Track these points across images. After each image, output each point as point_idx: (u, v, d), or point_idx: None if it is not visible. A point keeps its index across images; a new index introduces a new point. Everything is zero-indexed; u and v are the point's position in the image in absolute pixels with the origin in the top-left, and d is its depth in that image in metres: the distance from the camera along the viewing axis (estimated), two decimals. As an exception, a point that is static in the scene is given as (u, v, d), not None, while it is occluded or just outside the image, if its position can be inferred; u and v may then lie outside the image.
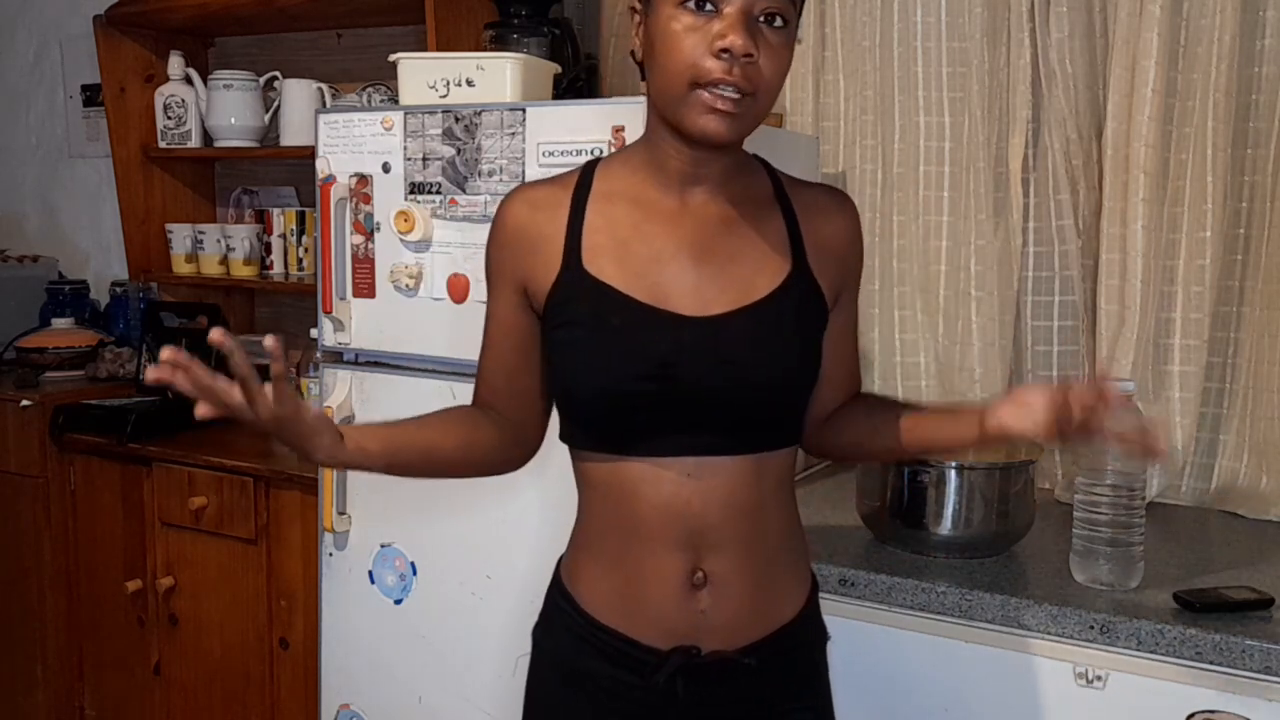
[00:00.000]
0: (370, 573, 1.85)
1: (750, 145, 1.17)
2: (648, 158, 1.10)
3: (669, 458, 1.05)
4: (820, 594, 1.44)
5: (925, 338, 2.00)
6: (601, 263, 1.07)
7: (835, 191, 1.19)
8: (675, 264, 1.07)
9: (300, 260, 2.69)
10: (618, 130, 1.54)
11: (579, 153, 1.58)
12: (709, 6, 0.99)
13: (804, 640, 1.16)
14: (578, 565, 1.15)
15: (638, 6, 1.06)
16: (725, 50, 0.97)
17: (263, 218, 2.76)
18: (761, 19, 1.00)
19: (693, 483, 1.05)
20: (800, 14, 1.05)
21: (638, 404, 1.04)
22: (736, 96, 0.99)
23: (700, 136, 1.02)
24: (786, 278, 1.08)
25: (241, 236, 2.70)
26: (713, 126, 1.00)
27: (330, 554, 1.89)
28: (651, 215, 1.09)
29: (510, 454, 1.19)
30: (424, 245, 1.74)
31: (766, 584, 1.11)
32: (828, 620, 1.21)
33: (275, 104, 2.64)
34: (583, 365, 1.07)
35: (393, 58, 1.84)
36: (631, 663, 1.09)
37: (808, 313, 1.10)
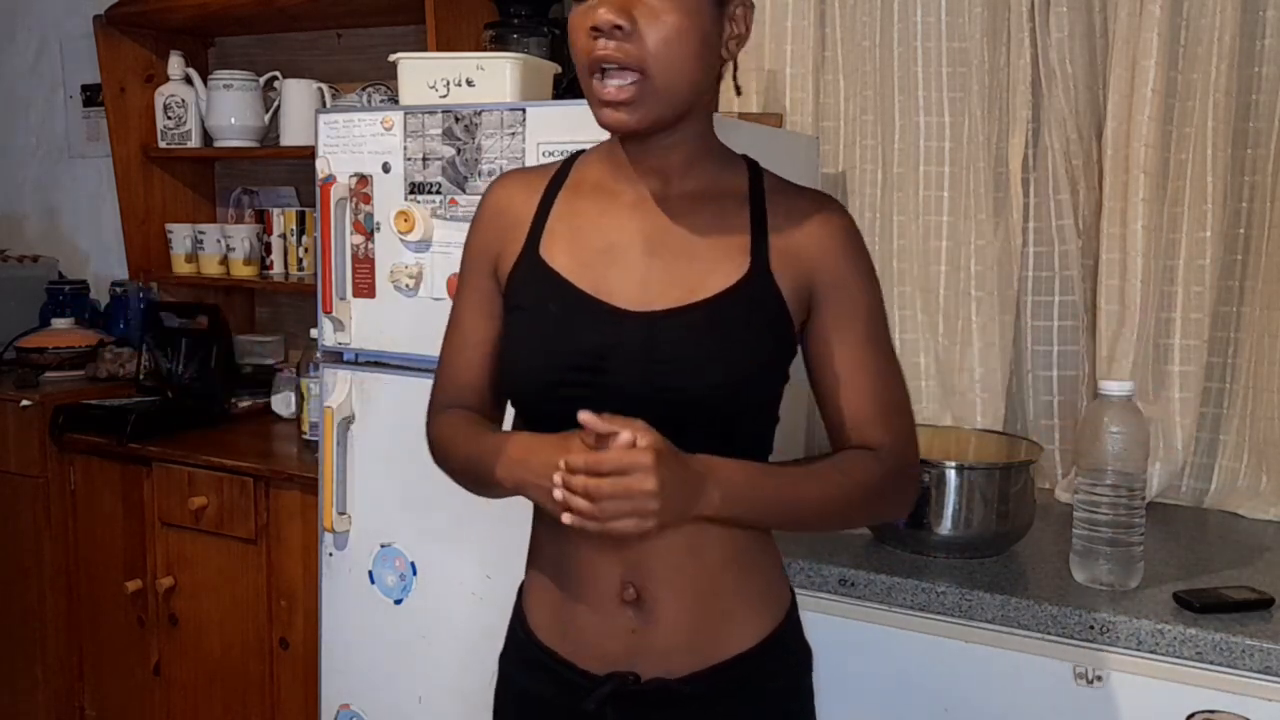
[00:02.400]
0: (370, 573, 1.85)
1: (748, 145, 1.17)
2: (611, 150, 1.09)
3: None
4: (820, 594, 1.45)
5: (925, 338, 2.00)
6: (555, 250, 1.06)
7: (822, 197, 1.11)
8: (625, 256, 1.04)
9: (300, 260, 2.69)
10: (618, 130, 1.54)
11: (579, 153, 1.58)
12: None
13: (767, 672, 1.08)
14: (527, 583, 1.13)
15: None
16: (595, 28, 0.95)
17: (263, 218, 2.76)
18: None
19: None
20: None
21: (564, 395, 1.00)
22: (623, 80, 0.96)
23: (607, 129, 1.01)
24: (741, 279, 1.03)
25: (241, 236, 2.71)
26: (611, 118, 0.98)
27: (330, 554, 1.89)
28: (612, 207, 1.07)
29: None
30: (424, 245, 1.74)
31: (710, 608, 1.04)
32: (831, 621, 1.20)
33: (275, 104, 2.64)
34: (518, 350, 1.06)
35: (393, 58, 1.84)
36: (571, 688, 1.05)
37: (760, 319, 1.03)
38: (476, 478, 1.09)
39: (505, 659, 1.17)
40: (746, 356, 1.02)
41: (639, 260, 1.04)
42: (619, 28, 0.94)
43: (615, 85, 0.96)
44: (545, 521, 1.09)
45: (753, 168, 1.12)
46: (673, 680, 1.03)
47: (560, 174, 1.12)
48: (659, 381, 0.99)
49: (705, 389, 0.99)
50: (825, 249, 1.06)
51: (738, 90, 1.17)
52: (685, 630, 1.03)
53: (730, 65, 1.08)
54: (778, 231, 1.05)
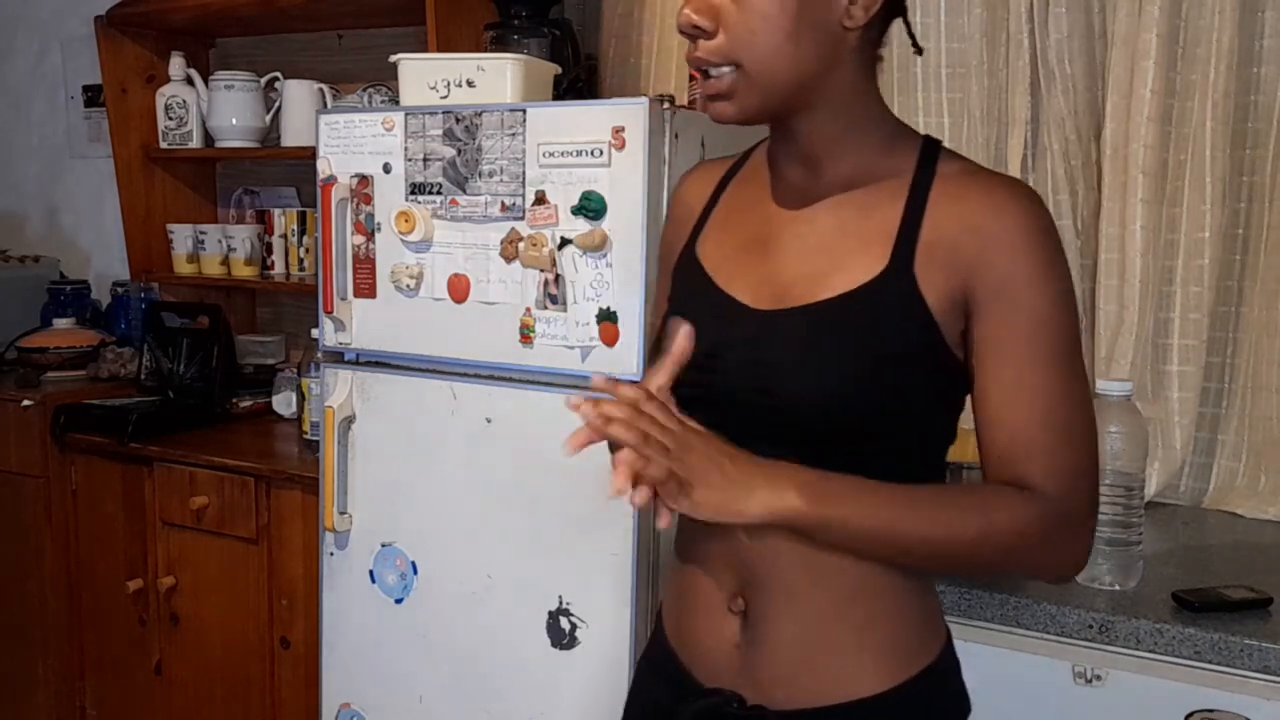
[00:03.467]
0: (371, 572, 1.85)
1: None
2: (771, 139, 1.04)
3: None
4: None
5: (925, 338, 2.00)
6: (709, 244, 1.04)
7: (1006, 182, 0.93)
8: (764, 250, 0.98)
9: (301, 260, 2.70)
10: (618, 131, 1.55)
11: (579, 153, 1.58)
12: None
13: None
14: (666, 583, 1.10)
15: None
16: (680, 30, 0.92)
17: (264, 218, 2.76)
18: None
19: None
20: None
21: (681, 392, 0.92)
22: (719, 73, 0.92)
23: (716, 122, 0.96)
24: (873, 277, 0.91)
25: (243, 237, 2.71)
26: (713, 111, 0.94)
27: (331, 553, 1.89)
28: (763, 198, 1.02)
29: None
30: (425, 245, 1.75)
31: (828, 641, 0.94)
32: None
33: (276, 104, 2.64)
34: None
35: (393, 58, 1.84)
36: (681, 694, 1.00)
37: (891, 323, 0.90)
38: None
39: (642, 658, 1.13)
40: (863, 364, 0.89)
41: (776, 255, 0.98)
42: (699, 28, 0.91)
43: (712, 78, 0.93)
44: (684, 521, 1.02)
45: (929, 149, 0.97)
46: (774, 712, 0.94)
47: (739, 164, 1.09)
48: (764, 385, 0.92)
49: (810, 396, 0.89)
50: (991, 243, 0.89)
51: (917, 50, 1.02)
52: (794, 660, 0.95)
53: (874, 27, 0.95)
54: (935, 223, 0.91)
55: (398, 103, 1.85)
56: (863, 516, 0.87)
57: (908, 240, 0.91)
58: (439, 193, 1.73)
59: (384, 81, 2.46)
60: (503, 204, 1.67)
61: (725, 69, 0.91)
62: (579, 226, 1.59)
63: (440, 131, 1.71)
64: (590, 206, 1.57)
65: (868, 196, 0.95)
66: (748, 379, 0.93)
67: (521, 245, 1.65)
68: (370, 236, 1.80)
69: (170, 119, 2.75)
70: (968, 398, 0.95)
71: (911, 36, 1.01)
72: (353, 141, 1.80)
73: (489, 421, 1.71)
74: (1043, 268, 0.89)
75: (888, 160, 0.96)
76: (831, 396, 0.89)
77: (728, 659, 0.97)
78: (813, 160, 0.98)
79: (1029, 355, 0.89)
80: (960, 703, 1.02)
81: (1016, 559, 0.91)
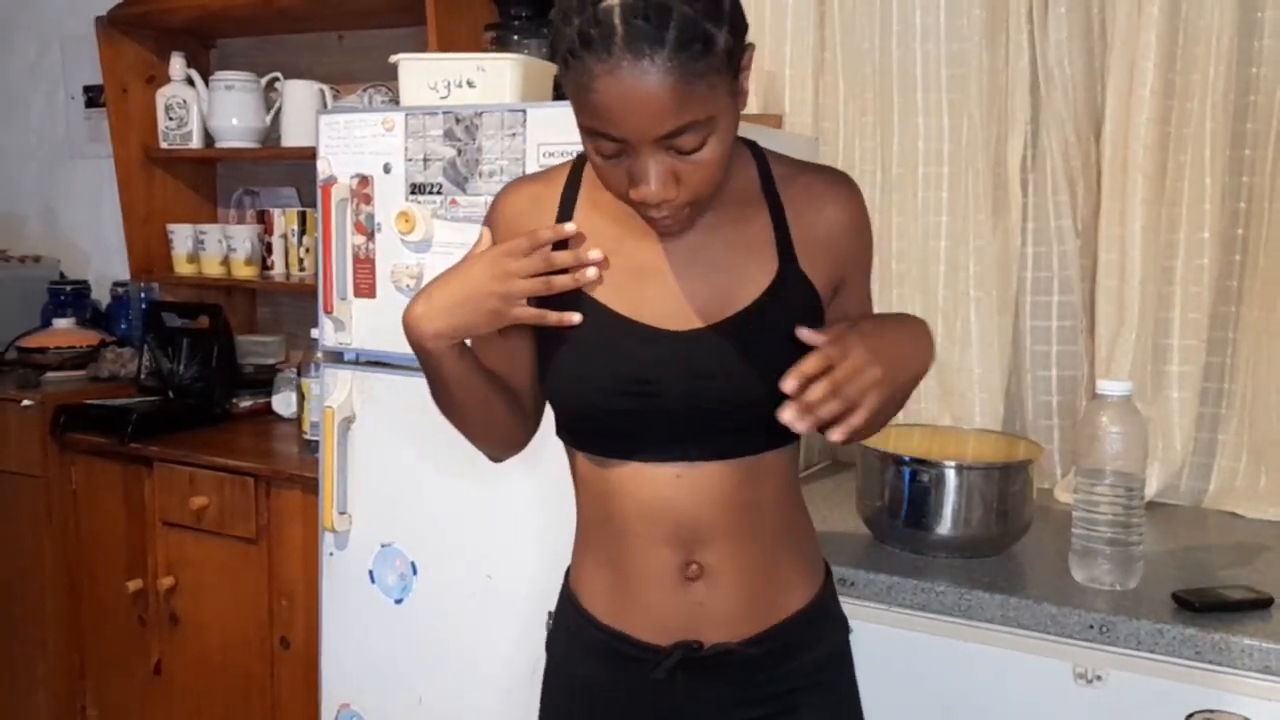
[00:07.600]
0: (371, 572, 1.85)
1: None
2: None
3: (655, 464, 1.04)
4: (821, 592, 1.45)
5: (925, 338, 2.00)
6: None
7: (830, 174, 1.11)
8: (656, 277, 1.05)
9: (301, 260, 2.70)
10: (618, 131, 1.55)
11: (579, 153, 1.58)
12: (614, 138, 0.92)
13: (815, 629, 1.13)
14: (578, 565, 1.16)
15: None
16: (651, 204, 0.95)
17: (264, 218, 2.76)
18: (670, 140, 0.91)
19: (681, 483, 1.04)
20: (735, 64, 0.93)
21: (617, 419, 1.04)
22: (677, 214, 0.98)
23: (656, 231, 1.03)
24: (772, 282, 1.04)
25: (243, 237, 2.71)
26: (664, 232, 1.02)
27: (331, 553, 1.89)
28: (633, 226, 1.04)
29: (521, 427, 1.18)
30: (425, 246, 1.75)
31: (767, 576, 1.09)
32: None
33: (276, 105, 2.65)
34: (566, 378, 1.06)
35: (393, 59, 1.84)
36: (629, 662, 1.08)
37: (798, 315, 1.02)
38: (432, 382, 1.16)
39: (555, 645, 1.19)
40: (787, 358, 0.95)
41: (671, 279, 1.04)
42: (665, 200, 0.95)
43: (669, 220, 0.98)
44: (597, 510, 1.10)
45: (757, 156, 1.10)
46: (735, 644, 1.07)
47: (571, 185, 1.10)
48: (706, 398, 1.01)
49: (753, 400, 1.00)
50: (847, 229, 1.09)
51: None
52: (747, 598, 1.07)
53: None
54: (799, 223, 1.06)
55: (398, 103, 1.85)
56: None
57: (784, 241, 1.05)
58: (439, 193, 1.73)
59: (384, 81, 2.46)
60: (503, 204, 1.67)
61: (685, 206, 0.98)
62: (579, 227, 1.59)
63: (440, 131, 1.72)
64: (590, 207, 1.57)
65: (735, 209, 1.06)
66: (694, 397, 1.01)
67: (522, 245, 1.65)
68: (370, 236, 1.80)
69: (170, 119, 2.75)
70: None
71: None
72: (353, 142, 1.80)
73: (489, 422, 1.71)
74: (870, 236, 1.14)
75: (737, 174, 1.07)
76: (765, 396, 0.97)
77: (683, 617, 1.06)
78: None
79: (867, 290, 1.16)
80: (843, 613, 1.20)
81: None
